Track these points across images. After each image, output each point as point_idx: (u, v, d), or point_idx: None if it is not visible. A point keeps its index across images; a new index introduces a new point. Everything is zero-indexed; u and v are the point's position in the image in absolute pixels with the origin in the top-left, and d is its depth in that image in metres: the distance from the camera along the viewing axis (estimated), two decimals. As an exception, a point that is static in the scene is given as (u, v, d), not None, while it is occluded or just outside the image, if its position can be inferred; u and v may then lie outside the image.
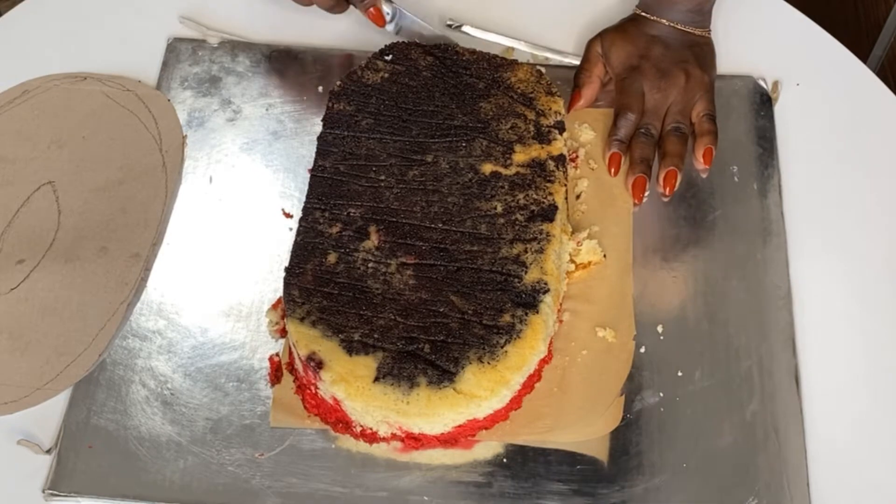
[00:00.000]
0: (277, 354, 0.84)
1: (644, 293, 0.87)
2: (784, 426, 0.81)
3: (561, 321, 0.85)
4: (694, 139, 0.94)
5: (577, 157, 0.94)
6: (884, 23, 1.51)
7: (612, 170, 0.93)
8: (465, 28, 1.03)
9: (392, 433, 0.79)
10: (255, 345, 0.85)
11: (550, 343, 0.82)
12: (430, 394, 0.76)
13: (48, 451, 0.80)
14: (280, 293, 0.83)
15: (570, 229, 0.88)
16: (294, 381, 0.82)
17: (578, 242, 0.87)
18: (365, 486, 0.78)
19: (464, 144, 0.89)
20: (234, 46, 1.03)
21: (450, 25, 1.03)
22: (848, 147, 0.97)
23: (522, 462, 0.80)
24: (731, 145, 0.96)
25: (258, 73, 1.01)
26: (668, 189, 0.91)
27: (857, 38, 1.58)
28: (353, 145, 0.89)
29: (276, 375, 0.83)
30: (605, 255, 0.88)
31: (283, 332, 0.84)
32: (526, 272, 0.81)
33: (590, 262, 0.87)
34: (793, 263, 0.89)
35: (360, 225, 0.84)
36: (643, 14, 0.98)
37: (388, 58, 0.94)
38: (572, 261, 0.87)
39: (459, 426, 0.78)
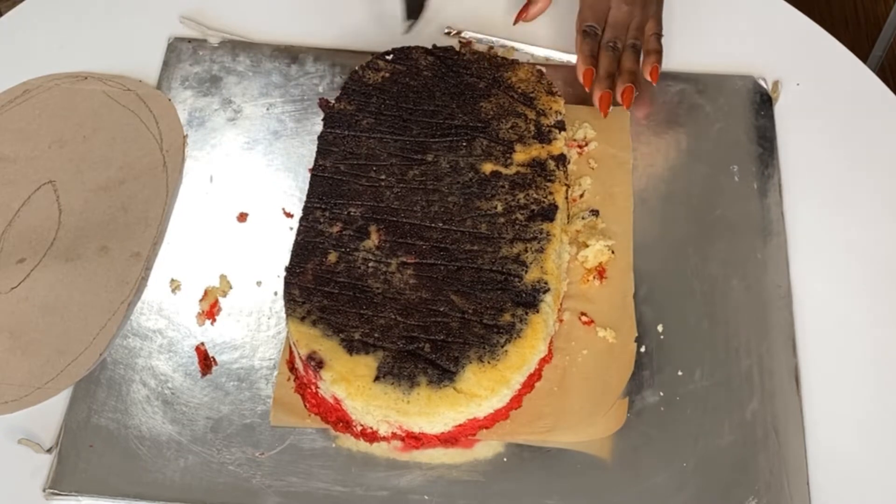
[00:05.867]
0: (203, 344, 0.84)
1: (644, 293, 0.87)
2: (784, 426, 0.81)
3: (561, 321, 0.85)
4: (643, 56, 0.97)
5: (586, 145, 0.94)
6: (884, 23, 1.51)
7: (587, 84, 0.96)
8: (465, 34, 1.03)
9: (392, 432, 0.79)
10: (256, 344, 0.85)
11: (551, 342, 0.82)
12: (430, 393, 0.77)
13: (49, 451, 0.80)
14: (280, 293, 0.83)
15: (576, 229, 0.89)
16: (294, 380, 0.82)
17: (583, 245, 0.87)
18: (365, 486, 0.78)
19: (464, 144, 0.89)
20: (235, 46, 1.03)
21: (448, 33, 1.03)
22: (848, 147, 0.97)
23: (523, 461, 0.80)
24: (731, 145, 0.96)
25: (258, 72, 1.01)
26: (627, 104, 0.95)
27: (857, 38, 1.58)
28: (353, 145, 0.89)
29: (204, 364, 0.83)
30: (612, 252, 0.88)
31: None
32: (526, 272, 0.81)
33: (601, 264, 0.87)
34: (793, 263, 0.89)
35: (361, 224, 0.84)
36: None
37: (389, 57, 0.95)
38: (584, 268, 0.87)
39: (460, 425, 0.78)
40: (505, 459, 0.80)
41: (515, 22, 1.02)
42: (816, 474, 0.79)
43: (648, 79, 0.97)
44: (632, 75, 0.96)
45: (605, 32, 0.97)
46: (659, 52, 0.97)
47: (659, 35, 0.98)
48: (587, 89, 0.96)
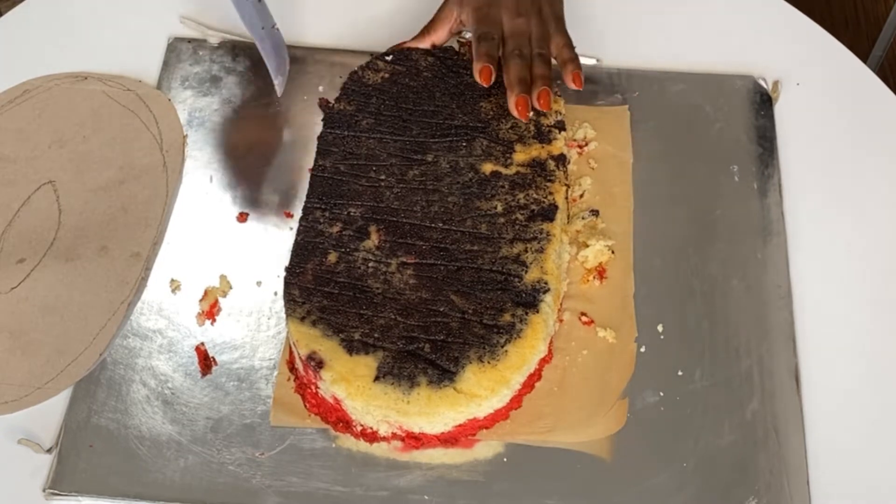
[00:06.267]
0: (203, 344, 0.84)
1: (644, 293, 0.87)
2: (784, 426, 0.81)
3: (561, 321, 0.85)
4: (560, 68, 0.93)
5: (586, 145, 0.94)
6: (884, 23, 1.51)
7: (486, 81, 0.91)
8: (466, 34, 1.03)
9: (392, 432, 0.79)
10: (256, 344, 0.85)
11: (551, 343, 0.82)
12: (430, 393, 0.77)
13: (49, 451, 0.80)
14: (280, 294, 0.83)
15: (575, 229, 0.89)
16: (294, 380, 0.82)
17: (584, 245, 0.87)
18: (365, 486, 0.78)
19: (464, 144, 0.89)
20: (235, 46, 1.03)
21: None
22: (848, 147, 0.97)
23: (523, 461, 0.80)
24: (731, 145, 0.96)
25: (258, 72, 1.01)
26: (545, 107, 0.90)
27: (857, 38, 1.58)
28: (353, 145, 0.89)
29: (204, 364, 0.83)
30: (612, 252, 0.88)
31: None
32: (526, 272, 0.81)
33: (601, 264, 0.87)
34: (793, 263, 0.89)
35: (361, 224, 0.84)
36: None
37: (389, 58, 0.95)
38: (584, 268, 0.87)
39: (460, 425, 0.78)
40: (505, 459, 0.80)
41: (389, 49, 0.98)
42: (816, 474, 0.79)
43: (573, 86, 0.92)
44: (546, 80, 0.91)
45: (505, 44, 0.93)
46: (575, 60, 0.93)
47: (571, 46, 0.94)
48: (485, 85, 0.91)
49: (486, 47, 0.92)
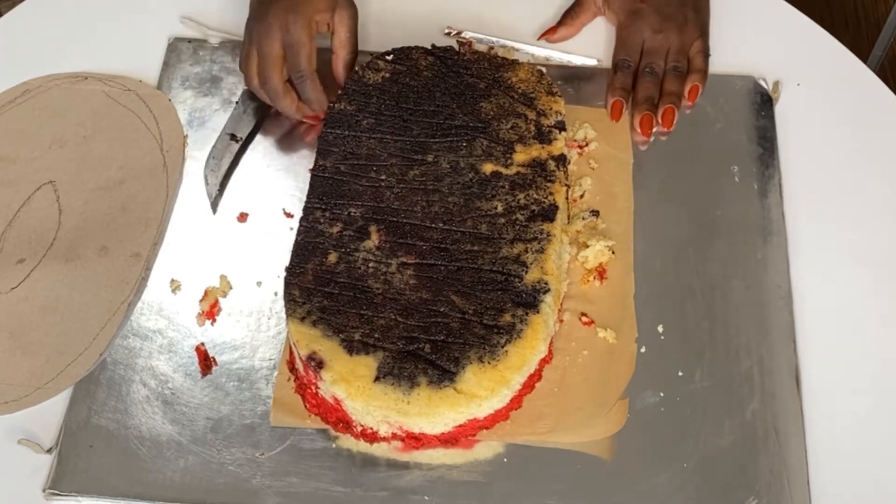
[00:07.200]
0: (203, 344, 0.84)
1: (644, 293, 0.87)
2: (784, 426, 0.81)
3: (561, 321, 0.85)
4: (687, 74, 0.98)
5: (587, 145, 0.94)
6: (884, 23, 1.51)
7: (615, 117, 0.95)
8: (465, 34, 1.03)
9: (392, 433, 0.79)
10: (256, 345, 0.85)
11: (551, 343, 0.82)
12: (430, 393, 0.77)
13: (49, 451, 0.80)
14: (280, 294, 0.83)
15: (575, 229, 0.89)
16: (294, 381, 0.82)
17: (584, 245, 0.87)
18: (365, 486, 0.78)
19: (464, 144, 0.89)
20: (235, 46, 1.02)
21: (448, 33, 1.03)
22: (848, 147, 0.97)
23: (523, 462, 0.80)
24: (731, 145, 0.96)
25: (259, 72, 1.00)
26: (667, 125, 0.95)
27: (857, 38, 1.58)
28: (353, 145, 0.89)
29: (204, 364, 0.83)
30: (613, 252, 0.88)
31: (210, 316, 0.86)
32: (526, 272, 0.81)
33: (601, 264, 0.87)
34: (793, 263, 0.89)
35: (361, 225, 0.84)
36: None
37: (389, 57, 0.95)
38: (584, 268, 0.87)
39: (460, 426, 0.78)
40: (505, 460, 0.80)
41: (540, 37, 1.02)
42: (816, 474, 0.79)
43: (685, 97, 0.97)
44: (673, 97, 0.96)
45: (640, 60, 0.98)
46: (702, 72, 0.97)
47: (705, 54, 0.98)
48: (615, 121, 0.95)
49: (621, 78, 0.97)
